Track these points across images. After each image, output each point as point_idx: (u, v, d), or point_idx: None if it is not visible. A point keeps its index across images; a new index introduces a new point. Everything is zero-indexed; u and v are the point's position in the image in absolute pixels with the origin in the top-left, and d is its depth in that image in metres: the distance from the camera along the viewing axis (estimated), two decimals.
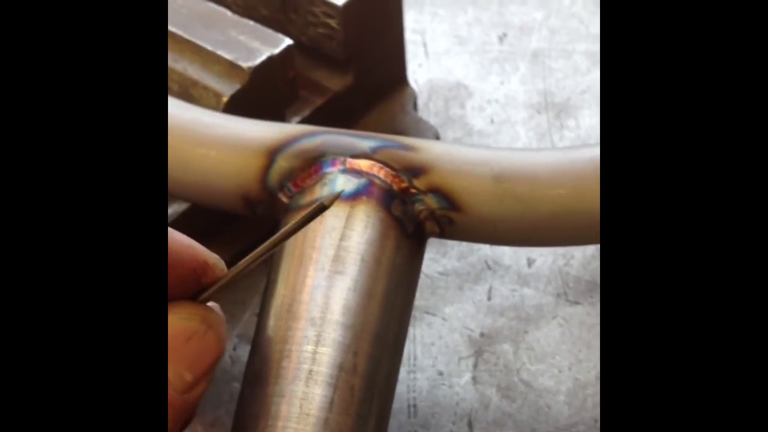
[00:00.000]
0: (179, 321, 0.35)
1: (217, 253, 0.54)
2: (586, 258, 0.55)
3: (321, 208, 0.35)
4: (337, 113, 0.56)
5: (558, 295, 0.54)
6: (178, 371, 0.35)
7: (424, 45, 0.66)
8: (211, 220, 0.53)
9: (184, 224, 0.51)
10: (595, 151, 0.45)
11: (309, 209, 0.35)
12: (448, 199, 0.45)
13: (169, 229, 0.35)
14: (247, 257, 0.36)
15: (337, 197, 0.35)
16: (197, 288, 0.37)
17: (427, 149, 0.46)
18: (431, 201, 0.45)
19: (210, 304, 0.37)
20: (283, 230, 0.36)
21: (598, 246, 0.55)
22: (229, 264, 0.53)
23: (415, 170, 0.45)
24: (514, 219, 0.45)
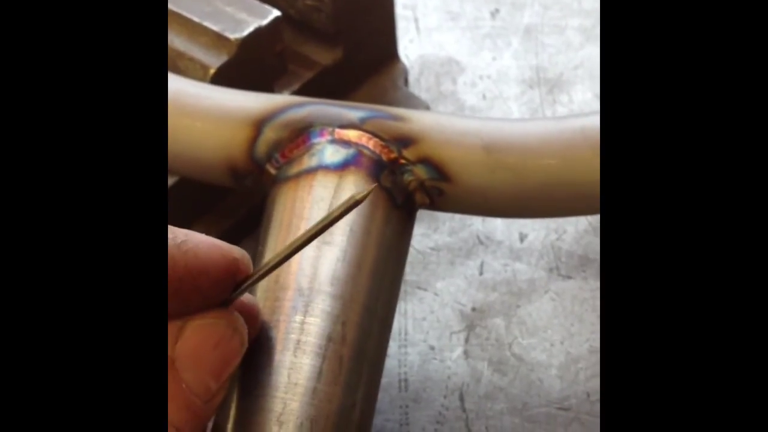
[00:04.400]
0: (206, 326, 0.34)
1: (207, 230, 0.54)
2: (578, 232, 0.55)
3: (354, 204, 0.33)
4: (327, 88, 0.55)
5: (550, 270, 0.53)
6: (204, 380, 0.34)
7: (416, 20, 0.66)
8: (200, 196, 0.53)
9: (172, 199, 0.50)
10: (586, 121, 0.45)
11: (341, 205, 0.33)
12: (438, 170, 0.44)
13: (191, 233, 0.34)
14: (274, 256, 0.35)
15: (369, 193, 0.33)
16: (233, 287, 0.35)
17: (416, 119, 0.45)
18: (421, 171, 0.44)
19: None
20: (312, 228, 0.34)
21: (591, 220, 0.55)
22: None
23: (404, 140, 0.45)
24: (504, 189, 0.44)
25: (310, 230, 0.34)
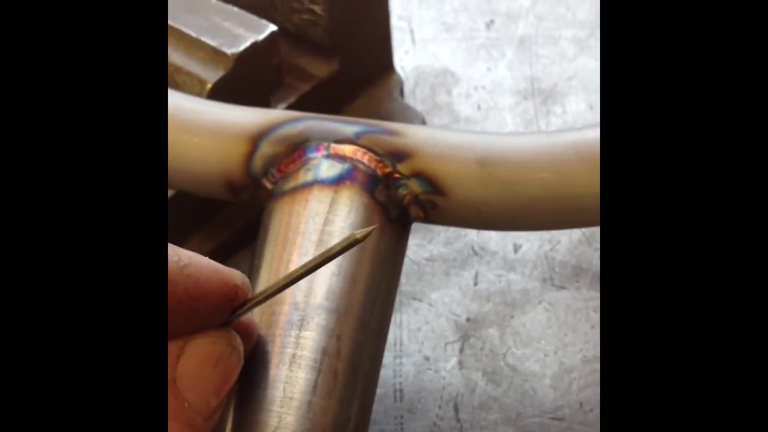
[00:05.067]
0: (207, 345, 0.34)
1: (203, 242, 0.54)
2: (572, 243, 0.55)
3: (354, 242, 0.34)
4: (323, 100, 0.56)
5: (544, 280, 0.54)
6: (206, 397, 0.34)
7: (411, 32, 0.66)
8: (198, 209, 0.53)
9: (170, 212, 0.50)
10: (578, 135, 0.45)
11: (341, 242, 0.34)
12: (431, 184, 0.45)
13: (195, 256, 0.34)
14: (274, 284, 0.36)
15: (371, 232, 0.34)
16: (230, 312, 0.36)
17: (411, 134, 0.46)
18: (415, 185, 0.45)
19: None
20: (310, 261, 0.35)
21: (584, 231, 0.56)
22: (214, 254, 0.53)
23: (398, 155, 0.45)
24: (497, 203, 0.45)
25: (308, 263, 0.35)
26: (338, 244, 0.34)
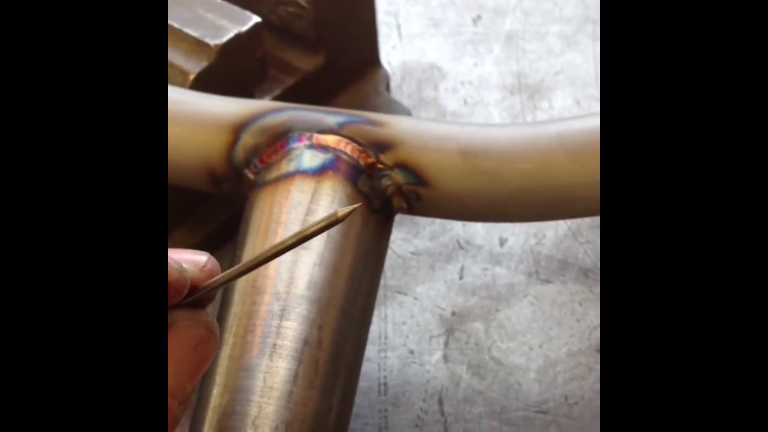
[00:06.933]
0: (187, 329, 0.34)
1: (188, 235, 0.54)
2: (557, 237, 0.55)
3: (335, 221, 0.33)
4: (309, 94, 0.55)
5: (529, 274, 0.54)
6: (182, 382, 0.34)
7: (398, 27, 0.66)
8: (182, 202, 0.53)
9: None
10: (562, 126, 0.45)
11: (321, 221, 0.33)
12: (415, 174, 0.45)
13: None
14: (243, 263, 0.35)
15: (352, 211, 0.33)
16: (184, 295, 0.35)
17: (394, 124, 0.46)
18: (398, 176, 0.45)
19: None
20: (288, 238, 0.34)
21: (570, 225, 0.55)
22: (199, 248, 0.52)
23: (382, 145, 0.45)
24: (481, 194, 0.45)
25: (285, 240, 0.34)
26: (319, 222, 0.33)
